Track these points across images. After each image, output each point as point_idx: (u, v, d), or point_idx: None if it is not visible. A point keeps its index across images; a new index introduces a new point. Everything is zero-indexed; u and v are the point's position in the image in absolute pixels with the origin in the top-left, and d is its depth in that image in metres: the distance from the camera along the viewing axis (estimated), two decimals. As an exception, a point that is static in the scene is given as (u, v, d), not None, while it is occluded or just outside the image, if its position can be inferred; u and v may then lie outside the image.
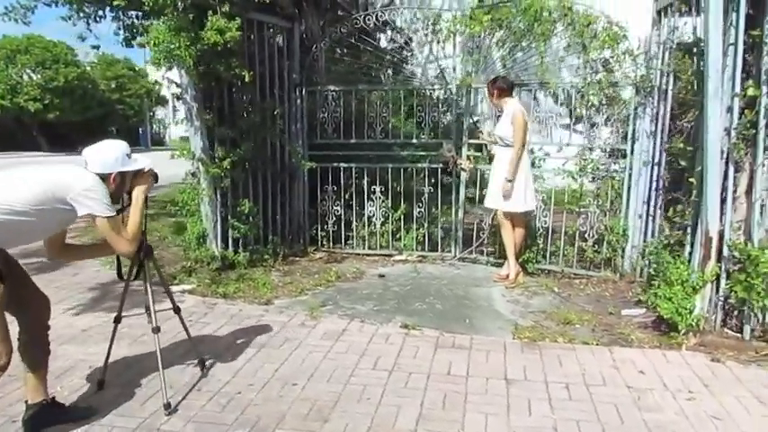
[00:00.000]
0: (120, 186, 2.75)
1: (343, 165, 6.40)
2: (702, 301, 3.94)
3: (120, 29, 6.57)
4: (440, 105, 6.69)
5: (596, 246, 5.54)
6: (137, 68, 36.20)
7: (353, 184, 6.44)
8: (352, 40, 6.61)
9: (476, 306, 4.80)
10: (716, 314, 4.01)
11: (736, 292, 3.78)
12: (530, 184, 5.37)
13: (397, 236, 6.48)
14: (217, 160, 5.41)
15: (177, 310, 3.35)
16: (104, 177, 2.66)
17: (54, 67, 29.70)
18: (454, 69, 6.17)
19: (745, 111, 3.82)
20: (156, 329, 3.04)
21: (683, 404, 3.13)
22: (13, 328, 2.67)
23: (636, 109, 5.24)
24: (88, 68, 33.07)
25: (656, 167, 5.10)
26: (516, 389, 3.30)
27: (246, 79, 5.18)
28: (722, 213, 3.93)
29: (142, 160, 2.86)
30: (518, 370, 3.55)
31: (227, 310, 4.64)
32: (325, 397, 3.19)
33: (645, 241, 5.18)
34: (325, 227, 6.53)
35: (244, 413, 3.02)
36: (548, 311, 4.63)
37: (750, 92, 3.76)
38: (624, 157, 5.42)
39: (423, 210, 6.36)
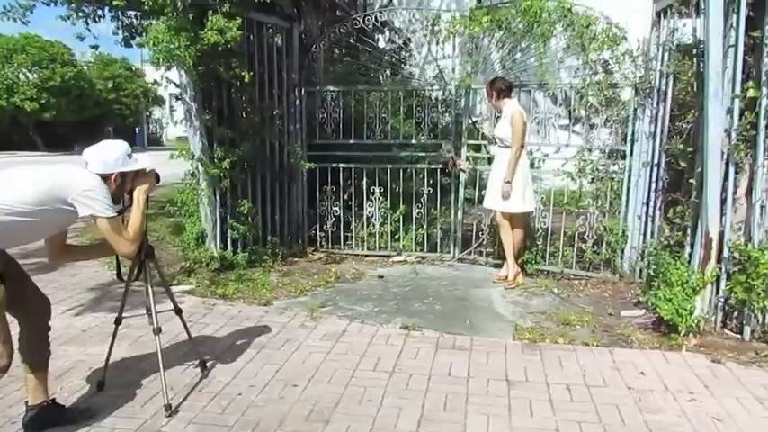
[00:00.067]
0: (120, 187, 2.74)
1: (342, 165, 6.39)
2: (702, 302, 3.95)
3: (118, 29, 6.55)
4: (439, 106, 6.69)
5: (595, 247, 5.54)
6: (134, 68, 36.08)
7: (352, 185, 6.43)
8: (351, 41, 6.61)
9: (476, 307, 4.80)
10: (716, 315, 4.02)
11: (736, 293, 3.79)
12: (529, 185, 5.37)
13: (396, 237, 6.48)
14: (216, 161, 5.40)
15: (178, 311, 3.34)
16: (105, 177, 2.65)
17: (50, 66, 29.55)
18: (453, 70, 6.18)
19: (746, 112, 3.83)
20: (158, 330, 3.02)
21: (684, 405, 3.13)
22: (14, 328, 2.66)
23: (635, 110, 5.24)
24: (85, 68, 32.92)
25: (655, 168, 5.10)
26: (517, 390, 3.30)
27: (246, 79, 5.17)
28: (722, 214, 3.94)
29: (143, 160, 2.85)
30: (519, 371, 3.54)
31: (226, 311, 4.63)
32: (326, 398, 3.19)
33: (644, 242, 5.18)
34: (324, 227, 6.53)
35: (245, 414, 3.01)
36: (547, 312, 4.63)
37: (750, 93, 3.77)
38: (623, 158, 5.42)
39: (422, 210, 6.36)
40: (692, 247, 4.17)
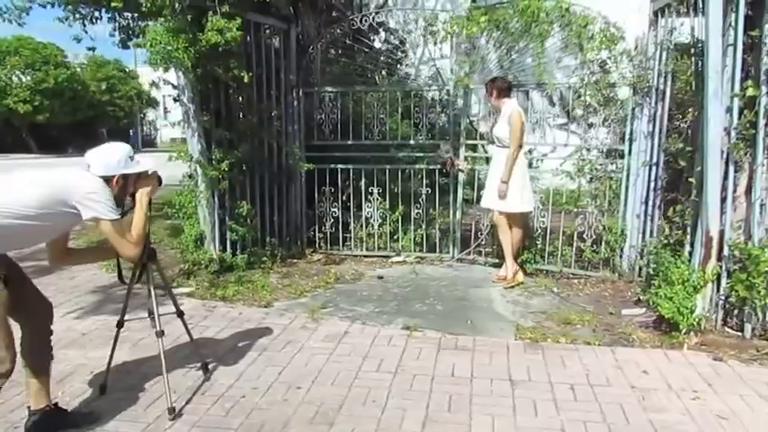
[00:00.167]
0: (123, 189, 2.73)
1: (340, 166, 6.38)
2: (703, 301, 3.96)
3: (115, 30, 6.52)
4: (437, 106, 6.68)
5: (594, 246, 5.55)
6: (127, 70, 35.97)
7: (351, 186, 6.42)
8: (347, 41, 6.61)
9: (476, 307, 4.80)
10: (716, 313, 4.03)
11: (737, 291, 3.80)
12: (527, 185, 5.38)
13: (395, 237, 6.47)
14: (214, 162, 5.38)
15: (180, 313, 3.33)
16: (107, 180, 2.64)
17: (44, 68, 29.48)
18: (452, 71, 6.17)
19: (745, 111, 3.84)
20: (161, 333, 3.01)
21: (687, 404, 3.13)
22: (16, 333, 2.64)
23: (633, 109, 5.26)
24: (78, 70, 32.84)
25: (653, 168, 5.11)
26: (521, 390, 3.30)
27: (246, 80, 5.16)
28: (722, 213, 3.95)
29: (145, 162, 2.83)
30: (522, 371, 3.54)
31: (226, 313, 4.62)
32: (330, 400, 3.18)
33: (643, 241, 5.19)
34: (323, 228, 6.51)
35: (249, 417, 3.00)
36: (548, 312, 4.64)
37: (749, 92, 3.79)
38: (621, 157, 5.43)
39: (420, 211, 6.35)
40: (692, 245, 4.18)
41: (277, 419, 2.97)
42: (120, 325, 3.22)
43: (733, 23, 3.77)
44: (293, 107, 6.29)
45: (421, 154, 6.47)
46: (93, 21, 6.33)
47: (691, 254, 4.16)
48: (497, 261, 5.90)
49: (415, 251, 6.41)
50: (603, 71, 5.40)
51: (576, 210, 5.67)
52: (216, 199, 5.54)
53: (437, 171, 6.26)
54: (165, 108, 38.51)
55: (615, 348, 3.90)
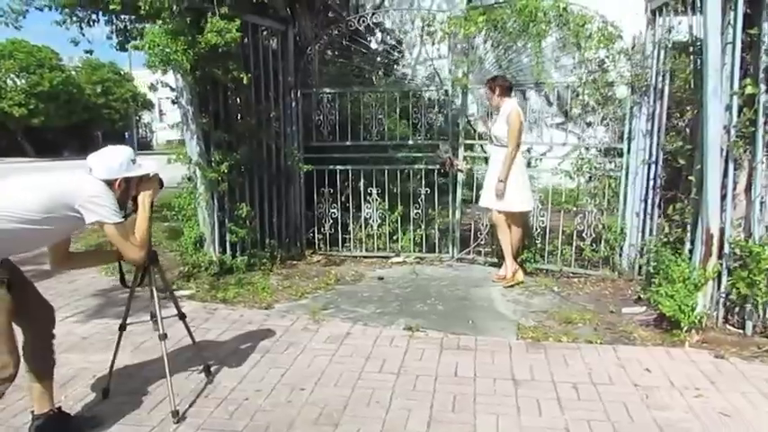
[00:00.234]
0: (125, 192, 2.72)
1: (339, 167, 6.38)
2: (704, 299, 3.97)
3: (112, 33, 6.51)
4: (435, 107, 6.69)
5: (594, 245, 5.56)
6: (122, 72, 35.90)
7: (350, 187, 6.41)
8: (343, 42, 6.61)
9: (477, 307, 4.80)
10: (717, 311, 4.05)
11: (738, 288, 3.81)
12: (525, 184, 5.38)
13: (395, 238, 6.47)
14: (213, 164, 5.37)
15: (182, 316, 3.32)
16: (110, 183, 2.63)
17: (38, 71, 29.40)
18: (450, 71, 6.18)
19: (744, 109, 3.86)
20: (164, 336, 3.00)
21: (690, 401, 3.14)
22: (18, 336, 2.63)
23: (632, 108, 5.27)
24: (73, 73, 32.75)
25: (652, 166, 5.12)
26: (525, 389, 3.30)
27: (245, 82, 5.16)
28: (722, 211, 3.96)
29: (147, 165, 2.83)
30: (525, 370, 3.55)
31: (227, 316, 4.61)
32: (334, 401, 3.17)
33: (643, 239, 5.20)
34: (322, 230, 6.51)
35: (253, 420, 2.99)
36: (549, 311, 4.64)
37: (748, 90, 3.80)
38: (620, 155, 5.44)
39: (419, 211, 6.35)
40: (692, 243, 4.19)
41: (281, 421, 2.97)
42: (122, 328, 3.21)
43: (732, 22, 3.79)
44: (291, 108, 6.29)
45: (419, 154, 6.47)
46: (91, 23, 6.32)
47: (691, 252, 4.18)
48: (497, 261, 5.90)
49: (414, 251, 6.41)
50: (602, 70, 5.41)
51: (575, 209, 5.68)
52: (215, 201, 5.53)
53: (436, 171, 6.27)
54: (161, 110, 38.49)
55: (617, 347, 3.91)
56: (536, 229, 5.82)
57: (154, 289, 3.02)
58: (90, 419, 2.96)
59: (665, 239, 4.64)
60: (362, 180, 6.37)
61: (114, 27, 6.48)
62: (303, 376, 3.49)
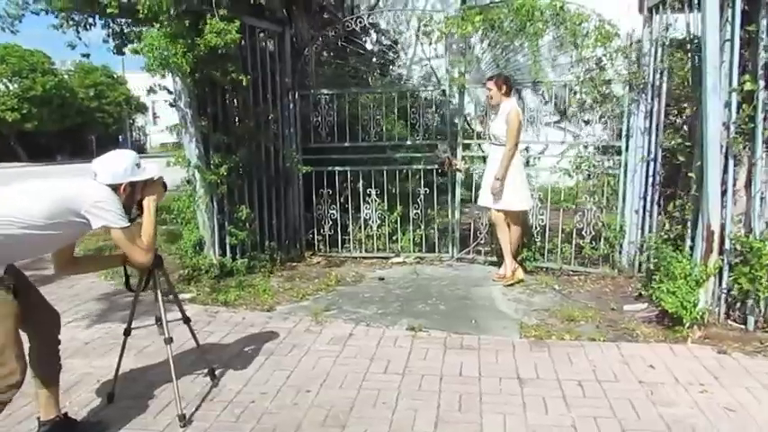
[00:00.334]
0: (130, 196, 2.71)
1: (337, 168, 6.38)
2: (706, 295, 3.99)
3: (109, 36, 6.49)
4: (433, 107, 6.69)
5: (594, 242, 5.58)
6: (115, 76, 35.79)
7: (348, 188, 6.41)
8: (339, 43, 6.61)
9: (479, 306, 4.81)
10: (719, 307, 4.07)
11: (740, 284, 3.83)
12: (524, 182, 5.40)
13: (394, 238, 6.47)
14: (213, 167, 5.36)
15: (187, 320, 3.31)
16: (115, 188, 2.62)
17: (31, 76, 29.29)
18: (447, 71, 6.18)
19: (743, 105, 3.88)
20: (169, 340, 3.00)
21: (695, 397, 3.15)
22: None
23: (629, 106, 5.29)
24: (66, 77, 32.62)
25: (651, 163, 5.14)
26: (530, 387, 3.31)
27: (244, 83, 5.15)
28: (722, 207, 3.98)
29: (151, 169, 2.82)
30: (529, 369, 3.55)
31: (229, 318, 4.60)
32: (340, 403, 3.17)
33: (642, 237, 5.22)
34: (322, 231, 6.50)
35: (260, 422, 2.99)
36: (551, 309, 4.65)
37: (747, 86, 3.83)
38: (619, 153, 5.46)
39: (419, 211, 6.35)
40: (692, 240, 4.21)
41: (288, 424, 2.96)
42: (127, 333, 3.20)
43: (730, 19, 3.81)
44: (289, 110, 6.28)
45: (418, 154, 6.47)
46: (87, 27, 6.30)
47: (692, 248, 4.19)
48: (496, 260, 5.91)
49: (414, 252, 6.41)
50: (599, 68, 5.43)
51: (574, 207, 5.70)
52: (215, 203, 5.52)
53: (434, 171, 6.27)
54: (155, 113, 38.41)
55: (620, 344, 3.92)
56: (535, 228, 5.83)
57: (159, 293, 3.01)
58: (96, 425, 2.96)
59: (666, 236, 4.66)
60: (361, 181, 6.37)
61: (111, 30, 6.46)
62: (308, 378, 3.49)
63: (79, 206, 2.46)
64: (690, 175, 4.32)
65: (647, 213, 5.21)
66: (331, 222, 6.46)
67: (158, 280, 3.04)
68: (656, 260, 4.57)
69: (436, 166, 6.19)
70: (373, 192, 6.35)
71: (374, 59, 7.21)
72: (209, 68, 5.06)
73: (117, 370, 3.22)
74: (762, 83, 3.80)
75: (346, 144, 6.38)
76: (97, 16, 6.08)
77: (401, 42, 7.71)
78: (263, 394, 3.29)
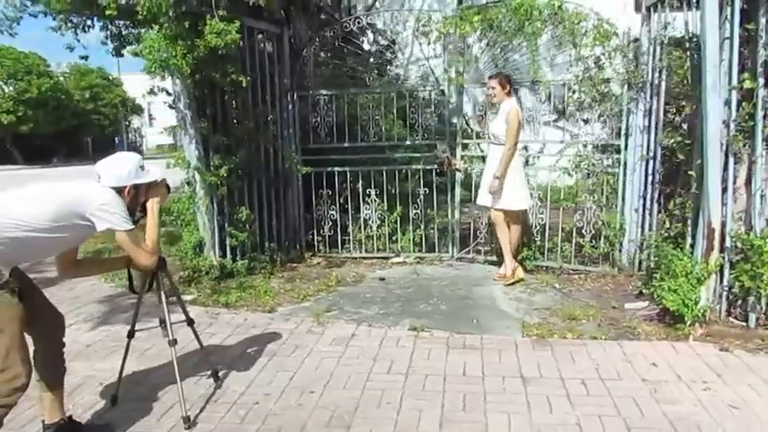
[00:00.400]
0: (134, 199, 2.71)
1: (337, 169, 6.38)
2: (707, 292, 3.99)
3: (107, 38, 6.48)
4: (432, 106, 6.70)
5: (594, 241, 5.59)
6: (111, 78, 35.64)
7: (348, 188, 6.41)
8: (336, 44, 6.61)
9: (480, 305, 4.81)
10: (720, 304, 4.07)
11: (742, 281, 3.84)
12: (523, 182, 5.40)
13: (394, 238, 6.47)
14: (213, 168, 5.35)
15: (191, 321, 3.31)
16: (119, 191, 2.62)
17: (26, 78, 29.11)
18: (445, 71, 6.19)
19: (743, 103, 3.89)
20: (173, 342, 3.00)
21: (699, 394, 3.16)
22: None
23: (628, 104, 5.30)
24: (61, 79, 32.47)
25: (650, 162, 5.15)
26: (534, 386, 3.31)
27: (244, 84, 5.15)
28: (723, 204, 3.99)
29: (154, 171, 2.82)
30: (532, 367, 3.56)
31: (231, 320, 4.59)
32: (345, 403, 3.17)
33: (642, 235, 5.23)
34: (322, 232, 6.50)
35: (264, 423, 2.99)
36: (552, 308, 4.66)
37: (747, 84, 3.83)
38: (618, 152, 5.47)
39: (418, 211, 6.36)
40: (693, 237, 4.22)
41: (293, 425, 2.96)
42: (130, 335, 3.19)
43: (729, 17, 3.82)
44: (288, 111, 6.28)
45: (417, 154, 6.47)
46: (86, 29, 6.29)
47: (693, 246, 4.20)
48: (496, 259, 5.92)
49: (414, 252, 6.41)
50: (598, 67, 5.44)
51: (574, 205, 5.71)
52: (215, 205, 5.51)
53: (434, 171, 6.27)
54: (151, 115, 38.29)
55: (622, 342, 3.93)
56: (535, 227, 5.84)
57: (163, 295, 3.01)
58: (101, 427, 2.96)
59: (666, 234, 4.67)
60: (361, 181, 6.37)
61: (109, 32, 6.44)
62: (311, 379, 3.49)
63: (84, 209, 2.46)
64: (690, 172, 4.34)
65: (647, 211, 5.22)
66: (331, 223, 6.46)
67: (162, 282, 3.03)
68: (656, 258, 4.58)
69: (435, 166, 6.19)
70: (373, 192, 6.35)
71: (372, 60, 7.21)
72: (208, 70, 5.05)
73: (121, 372, 3.21)
74: (761, 80, 3.81)
75: (345, 144, 6.38)
76: (96, 18, 6.07)
77: (398, 42, 7.71)
78: (267, 395, 3.29)
